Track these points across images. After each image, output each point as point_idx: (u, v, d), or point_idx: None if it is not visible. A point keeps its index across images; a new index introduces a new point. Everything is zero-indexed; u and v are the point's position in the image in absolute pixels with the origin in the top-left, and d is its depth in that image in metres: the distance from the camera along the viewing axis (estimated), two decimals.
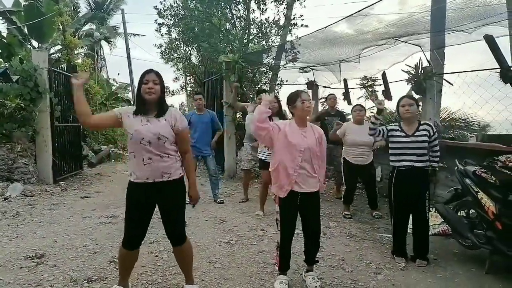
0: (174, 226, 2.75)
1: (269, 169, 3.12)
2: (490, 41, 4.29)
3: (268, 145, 3.19)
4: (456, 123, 7.71)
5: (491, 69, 4.48)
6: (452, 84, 5.36)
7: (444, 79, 5.71)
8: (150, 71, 2.64)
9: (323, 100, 8.74)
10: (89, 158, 10.51)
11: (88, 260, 3.57)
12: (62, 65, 8.95)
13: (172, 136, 2.65)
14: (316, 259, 3.20)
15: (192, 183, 2.83)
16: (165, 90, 2.84)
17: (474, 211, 3.58)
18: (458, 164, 3.76)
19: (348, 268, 3.44)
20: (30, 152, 7.20)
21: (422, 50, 5.90)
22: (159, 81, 2.61)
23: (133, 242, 2.70)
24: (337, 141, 5.45)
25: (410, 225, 3.70)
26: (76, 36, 14.92)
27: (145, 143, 2.56)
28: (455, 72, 5.26)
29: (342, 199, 5.43)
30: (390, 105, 8.14)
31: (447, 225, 4.03)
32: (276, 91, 10.35)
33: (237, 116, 8.12)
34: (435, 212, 4.32)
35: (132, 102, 20.22)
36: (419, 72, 5.69)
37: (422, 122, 3.67)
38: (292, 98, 3.06)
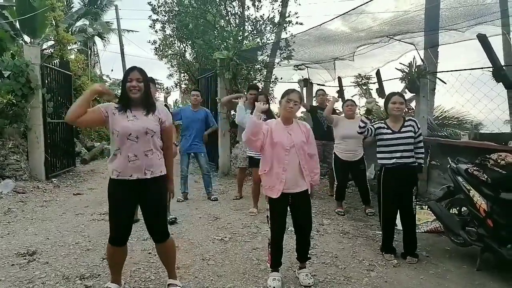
0: (157, 224, 2.75)
1: (259, 173, 3.10)
2: (483, 40, 4.32)
3: (258, 151, 3.18)
4: (449, 122, 7.75)
5: (484, 68, 4.51)
6: (445, 83, 5.40)
7: (438, 78, 5.74)
8: (133, 68, 2.63)
9: None
10: (82, 154, 10.43)
11: (81, 257, 3.55)
12: (55, 61, 8.86)
13: (159, 131, 2.66)
14: (308, 256, 3.21)
15: (170, 179, 2.83)
16: (155, 85, 2.85)
17: (466, 208, 3.61)
18: (450, 162, 3.79)
19: (341, 265, 3.45)
20: (22, 149, 7.13)
21: (416, 49, 5.93)
22: (142, 78, 2.61)
23: (120, 239, 2.72)
24: (330, 121, 5.45)
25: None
26: (69, 32, 14.76)
27: (132, 138, 2.55)
28: (448, 71, 5.29)
29: (334, 195, 5.48)
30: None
31: (439, 223, 4.06)
32: (270, 89, 10.33)
33: (231, 114, 8.10)
34: (427, 209, 4.35)
35: None
36: (413, 71, 5.72)
37: (407, 119, 3.72)
38: (283, 94, 3.06)
